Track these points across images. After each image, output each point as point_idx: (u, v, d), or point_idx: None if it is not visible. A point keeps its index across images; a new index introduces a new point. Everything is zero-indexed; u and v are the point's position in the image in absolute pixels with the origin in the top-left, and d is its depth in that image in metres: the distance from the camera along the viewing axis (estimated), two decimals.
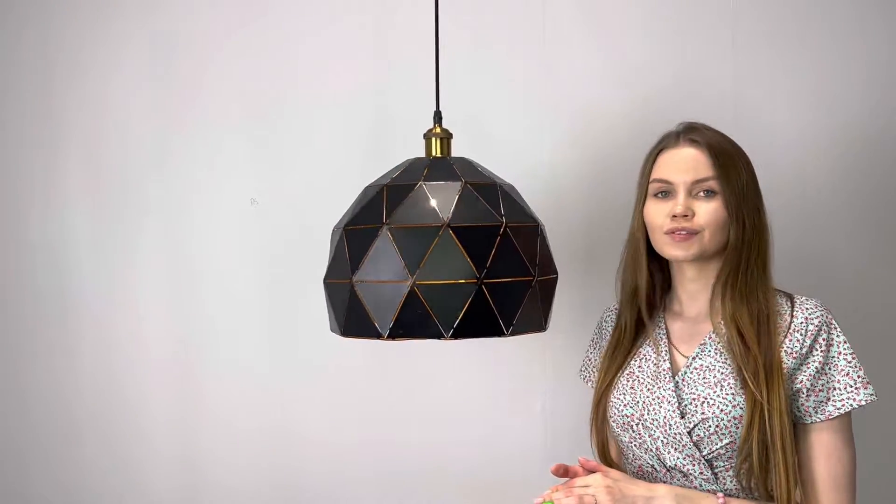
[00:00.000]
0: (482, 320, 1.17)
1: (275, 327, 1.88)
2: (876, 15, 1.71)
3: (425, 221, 1.18)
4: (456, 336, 1.17)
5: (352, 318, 1.21)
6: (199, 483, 1.92)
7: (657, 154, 1.35)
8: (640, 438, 1.34)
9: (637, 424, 1.33)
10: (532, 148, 1.80)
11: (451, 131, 1.35)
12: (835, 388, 1.25)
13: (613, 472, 1.29)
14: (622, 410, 1.36)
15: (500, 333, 1.19)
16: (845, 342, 1.27)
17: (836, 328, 1.27)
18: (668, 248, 1.31)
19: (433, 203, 1.20)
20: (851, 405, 1.24)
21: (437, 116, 1.35)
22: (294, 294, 1.84)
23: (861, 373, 1.26)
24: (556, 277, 1.31)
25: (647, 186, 1.35)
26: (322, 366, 1.86)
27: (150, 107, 1.89)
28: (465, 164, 1.30)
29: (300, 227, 1.83)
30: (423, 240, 1.17)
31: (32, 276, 1.95)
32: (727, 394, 1.26)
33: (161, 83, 1.88)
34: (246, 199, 1.87)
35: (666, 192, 1.31)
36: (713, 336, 1.31)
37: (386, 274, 1.18)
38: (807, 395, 1.25)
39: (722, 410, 1.26)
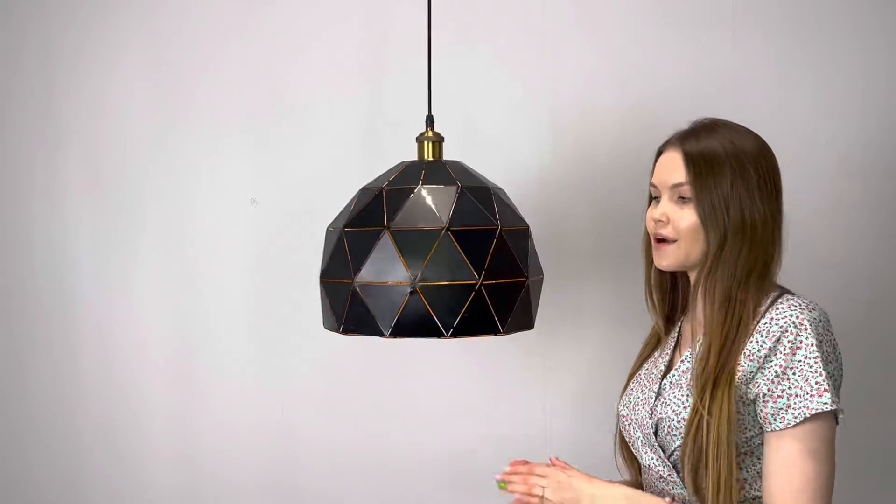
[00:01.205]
0: (420, 322, 1.22)
1: (274, 326, 1.91)
2: (874, 13, 1.66)
3: (370, 224, 1.26)
4: (395, 335, 1.24)
5: (354, 317, 1.28)
6: (198, 480, 1.96)
7: (656, 157, 1.32)
8: (630, 438, 1.35)
9: (629, 425, 1.34)
10: (524, 150, 1.77)
11: (442, 135, 1.39)
12: (796, 395, 1.15)
13: (573, 471, 1.28)
14: (620, 411, 1.38)
15: (438, 335, 1.23)
16: (813, 345, 1.14)
17: (807, 330, 1.15)
18: (654, 256, 1.30)
19: (383, 207, 1.27)
20: (805, 414, 1.13)
21: (430, 120, 1.40)
22: (293, 293, 1.88)
23: (820, 378, 1.14)
24: (523, 281, 1.29)
25: (649, 189, 1.33)
26: (321, 364, 1.90)
27: (150, 107, 1.92)
28: (434, 167, 1.33)
29: (298, 227, 1.88)
30: (367, 242, 1.25)
31: (33, 276, 1.99)
32: (682, 395, 1.24)
33: (161, 84, 1.92)
34: (244, 199, 1.90)
35: (656, 196, 1.29)
36: (695, 342, 1.27)
37: (341, 275, 1.28)
38: (764, 401, 1.17)
39: (673, 411, 1.23)
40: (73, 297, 1.98)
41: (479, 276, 1.23)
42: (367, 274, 1.24)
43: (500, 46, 1.80)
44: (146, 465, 1.98)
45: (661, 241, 1.26)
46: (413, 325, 1.22)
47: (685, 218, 1.23)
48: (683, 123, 1.30)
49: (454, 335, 1.23)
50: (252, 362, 1.93)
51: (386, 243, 1.23)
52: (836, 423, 1.17)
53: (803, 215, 1.55)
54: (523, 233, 1.33)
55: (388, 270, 1.22)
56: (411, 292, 1.21)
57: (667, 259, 1.26)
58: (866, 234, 1.70)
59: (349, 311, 1.26)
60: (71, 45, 1.94)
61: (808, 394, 1.14)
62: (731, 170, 1.20)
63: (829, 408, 1.13)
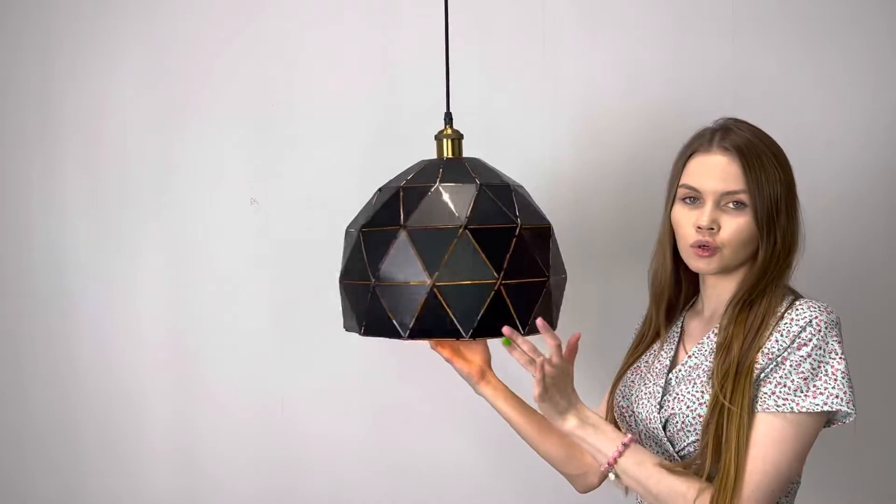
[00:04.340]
0: (438, 323, 1.21)
1: (275, 327, 1.89)
2: (876, 10, 1.68)
3: (386, 224, 1.24)
4: (413, 337, 1.22)
5: (373, 318, 1.25)
6: (199, 483, 1.94)
7: (689, 157, 1.27)
8: (629, 430, 1.34)
9: (630, 417, 1.34)
10: (541, 147, 1.77)
11: (461, 132, 1.37)
12: (786, 386, 1.16)
13: (570, 374, 1.23)
14: (619, 402, 1.37)
15: (457, 336, 1.21)
16: (820, 347, 1.17)
17: (821, 332, 1.17)
18: (692, 261, 1.26)
19: (400, 206, 1.25)
20: (791, 408, 1.15)
21: (448, 117, 1.38)
22: (294, 293, 1.86)
23: (819, 382, 1.16)
24: (544, 281, 1.26)
25: (675, 190, 1.28)
26: (322, 364, 1.88)
27: (150, 107, 1.90)
28: (453, 165, 1.31)
29: (298, 227, 1.86)
30: (384, 241, 1.23)
31: (33, 277, 1.96)
32: (697, 391, 1.23)
33: (161, 83, 1.89)
34: (246, 199, 1.88)
35: (694, 199, 1.25)
36: (712, 336, 1.27)
37: (359, 276, 1.26)
38: (757, 382, 1.18)
39: (688, 407, 1.22)
40: (72, 297, 1.97)
41: (499, 274, 1.20)
42: (384, 274, 1.22)
43: (517, 44, 1.79)
44: (146, 466, 1.97)
45: (704, 247, 1.22)
46: (431, 326, 1.21)
47: (739, 225, 1.21)
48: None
49: (473, 336, 1.21)
50: (252, 362, 1.92)
51: (403, 243, 1.21)
52: (836, 423, 1.20)
53: (804, 214, 1.56)
54: (545, 231, 1.30)
55: (405, 270, 1.20)
56: (429, 292, 1.19)
57: (711, 265, 1.23)
58: (868, 233, 1.70)
59: (368, 312, 1.25)
60: (70, 45, 1.93)
61: (801, 390, 1.15)
62: (775, 170, 1.21)
63: (818, 409, 1.15)
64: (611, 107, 1.75)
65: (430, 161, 1.35)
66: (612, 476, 1.22)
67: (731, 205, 1.21)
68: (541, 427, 1.44)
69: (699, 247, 1.22)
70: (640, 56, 1.75)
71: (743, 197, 1.20)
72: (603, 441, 1.21)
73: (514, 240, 1.23)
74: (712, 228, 1.21)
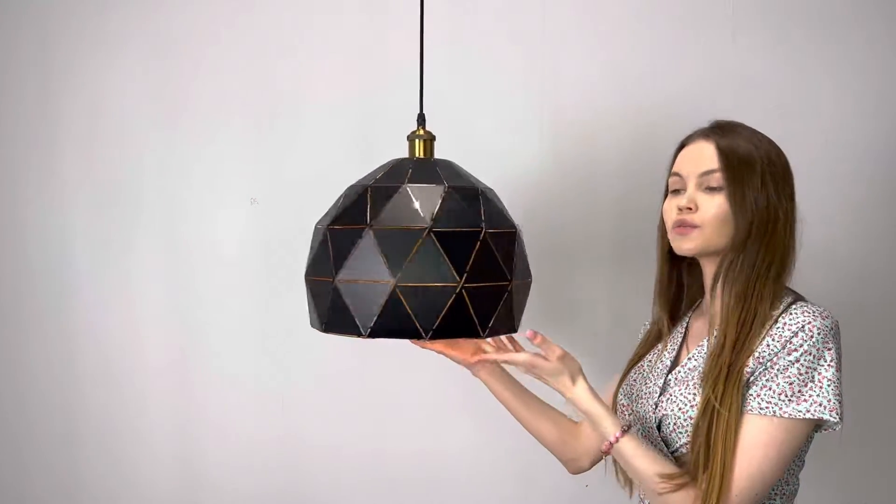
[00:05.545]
0: (399, 322, 1.21)
1: (273, 329, 1.91)
2: (876, 10, 1.68)
3: (353, 222, 1.25)
4: (373, 335, 1.23)
5: (335, 315, 1.26)
6: (197, 485, 1.95)
7: (678, 150, 1.32)
8: None
9: (629, 415, 1.36)
10: (518, 150, 1.77)
11: (433, 133, 1.37)
12: (771, 389, 1.17)
13: (571, 367, 1.27)
14: (620, 400, 1.40)
15: (418, 336, 1.22)
16: (810, 353, 1.16)
17: (813, 338, 1.16)
18: (674, 242, 1.28)
19: (367, 205, 1.26)
20: (775, 412, 1.16)
21: (421, 119, 1.38)
22: (293, 295, 1.82)
23: (805, 388, 1.16)
24: (506, 285, 1.27)
25: (666, 183, 1.33)
26: (322, 365, 1.89)
27: (147, 108, 1.91)
28: (422, 165, 1.32)
29: (297, 227, 1.82)
30: (350, 240, 1.24)
31: (30, 277, 1.97)
32: (689, 393, 1.24)
33: (157, 84, 1.91)
34: (243, 199, 1.89)
35: (679, 188, 1.28)
36: (712, 338, 1.26)
37: (324, 272, 1.27)
38: (747, 388, 1.19)
39: (680, 409, 1.24)
40: (70, 297, 1.97)
41: (461, 278, 1.21)
42: (348, 272, 1.23)
43: (496, 45, 1.79)
44: (144, 470, 1.98)
45: (683, 226, 1.25)
46: (392, 325, 1.21)
47: (714, 206, 1.22)
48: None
49: (433, 337, 1.22)
50: (252, 364, 1.93)
51: (368, 242, 1.22)
52: (826, 429, 1.19)
53: (804, 215, 1.56)
54: (510, 235, 1.31)
55: (369, 269, 1.21)
56: (391, 292, 1.20)
57: (689, 243, 1.24)
58: (868, 233, 1.70)
59: (331, 309, 1.26)
60: (68, 44, 1.94)
61: (785, 395, 1.16)
62: (760, 165, 1.22)
63: (801, 416, 1.15)
64: (603, 109, 1.75)
65: (401, 160, 1.36)
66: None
67: (708, 185, 1.23)
68: (535, 410, 1.47)
69: (678, 225, 1.25)
70: (639, 56, 1.74)
71: (718, 177, 1.22)
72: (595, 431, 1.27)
73: (479, 243, 1.24)
74: (690, 208, 1.24)
